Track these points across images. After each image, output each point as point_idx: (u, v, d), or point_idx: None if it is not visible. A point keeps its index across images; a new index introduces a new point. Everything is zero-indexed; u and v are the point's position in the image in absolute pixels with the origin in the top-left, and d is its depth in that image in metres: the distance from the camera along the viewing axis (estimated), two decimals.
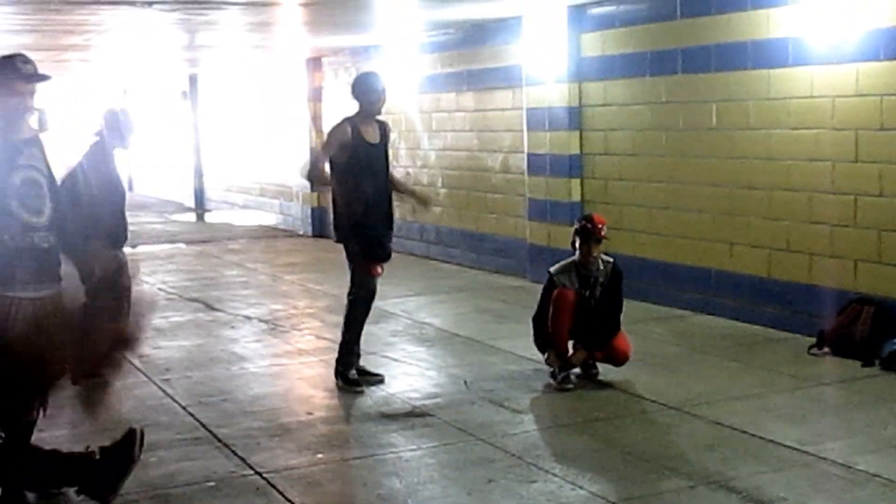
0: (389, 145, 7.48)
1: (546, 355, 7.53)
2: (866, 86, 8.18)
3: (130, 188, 27.34)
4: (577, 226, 7.53)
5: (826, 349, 8.13)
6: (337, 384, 7.31)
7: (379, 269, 7.40)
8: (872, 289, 8.24)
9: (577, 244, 7.43)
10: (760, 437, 6.13)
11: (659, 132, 10.30)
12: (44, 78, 4.98)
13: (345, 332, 7.46)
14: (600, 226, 7.40)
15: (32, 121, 5.10)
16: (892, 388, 7.15)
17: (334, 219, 7.41)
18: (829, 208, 8.56)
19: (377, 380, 7.49)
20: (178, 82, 23.13)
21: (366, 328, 9.65)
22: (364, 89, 7.22)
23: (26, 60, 4.90)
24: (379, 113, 7.30)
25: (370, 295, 7.45)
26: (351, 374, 7.41)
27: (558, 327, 7.36)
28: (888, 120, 8.05)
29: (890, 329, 7.89)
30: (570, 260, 7.51)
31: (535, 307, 7.61)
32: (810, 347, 8.21)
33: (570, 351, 7.49)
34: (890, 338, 7.78)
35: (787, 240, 8.98)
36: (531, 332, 7.64)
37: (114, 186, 7.33)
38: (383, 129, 7.41)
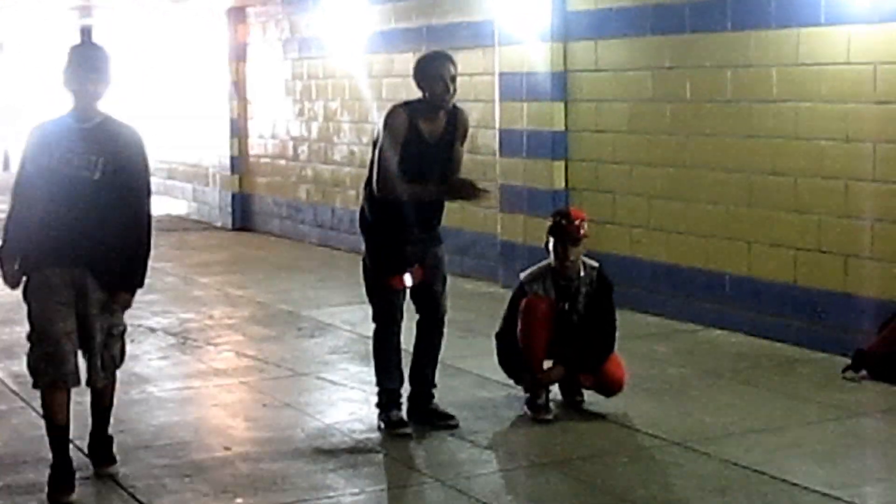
0: (460, 141, 7.24)
1: (522, 383, 7.57)
2: None
3: (6, 167, 27.16)
4: (550, 223, 7.55)
5: (864, 372, 8.21)
6: (379, 426, 7.26)
7: (399, 281, 7.12)
8: None
9: (551, 245, 7.45)
10: (782, 480, 6.17)
11: (662, 104, 10.36)
12: None
13: (375, 371, 7.39)
14: (577, 222, 7.37)
15: None
16: None
17: (360, 213, 7.38)
18: (869, 200, 8.64)
19: (449, 424, 7.26)
20: (66, 36, 22.99)
21: (299, 343, 9.72)
22: (426, 75, 7.03)
23: None
24: (446, 105, 7.08)
25: (389, 317, 7.23)
26: (393, 413, 7.23)
27: (531, 342, 7.38)
28: None
29: None
30: (544, 264, 7.52)
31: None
32: (845, 369, 8.28)
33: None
34: None
35: (817, 238, 9.06)
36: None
37: None
38: (454, 122, 7.19)
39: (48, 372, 6.07)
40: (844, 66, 8.75)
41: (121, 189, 6.12)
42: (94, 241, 6.05)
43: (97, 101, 6.18)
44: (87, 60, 6.22)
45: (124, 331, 6.35)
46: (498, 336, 7.69)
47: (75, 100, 6.17)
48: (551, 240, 7.42)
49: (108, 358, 6.22)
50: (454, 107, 7.16)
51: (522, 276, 7.61)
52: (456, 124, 7.20)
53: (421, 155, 7.01)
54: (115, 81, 6.24)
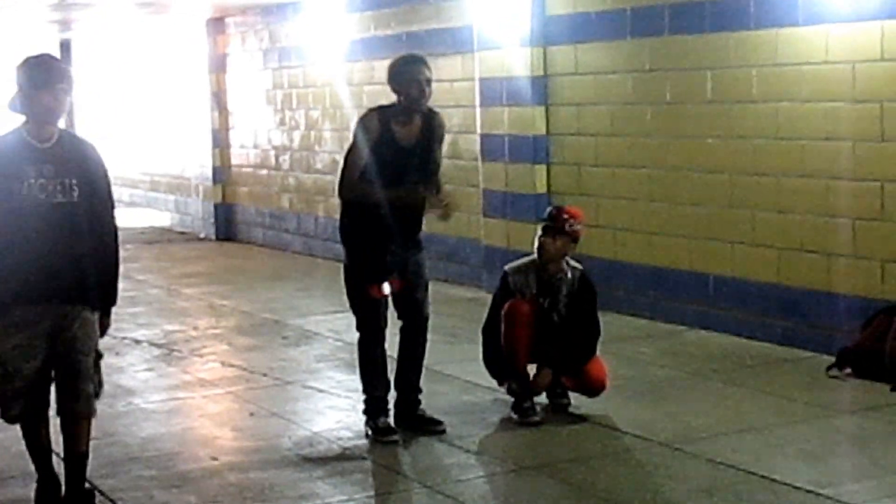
0: (437, 147, 7.25)
1: (506, 385, 7.59)
2: (893, 48, 8.31)
3: None
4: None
5: (848, 370, 8.23)
6: (366, 434, 7.27)
7: (377, 290, 7.08)
8: None
9: (537, 236, 7.49)
10: (770, 479, 6.18)
11: (643, 107, 10.38)
12: None
13: (361, 379, 7.39)
14: (565, 216, 7.43)
15: None
16: None
17: (340, 221, 7.39)
18: (850, 198, 8.67)
19: (436, 429, 7.27)
20: (46, 50, 22.96)
21: (285, 352, 9.71)
22: (400, 78, 7.04)
23: None
24: (422, 108, 7.07)
25: (373, 325, 7.22)
26: (380, 421, 7.22)
27: (514, 346, 7.40)
28: None
29: None
30: (529, 259, 7.59)
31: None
32: (829, 368, 8.31)
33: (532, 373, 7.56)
34: None
35: (800, 238, 9.08)
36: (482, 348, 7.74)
37: None
38: (430, 126, 7.19)
39: (16, 408, 5.81)
40: (823, 65, 8.77)
41: (94, 209, 5.80)
42: (79, 269, 5.75)
43: (58, 118, 5.83)
44: (48, 72, 5.82)
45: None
46: (484, 330, 7.71)
47: (34, 115, 5.76)
48: (539, 231, 7.48)
49: (97, 382, 5.90)
50: (429, 110, 7.16)
51: (507, 267, 7.66)
52: (432, 128, 7.19)
53: (396, 159, 7.01)
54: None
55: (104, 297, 5.91)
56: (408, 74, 7.02)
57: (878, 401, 7.68)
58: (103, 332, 6.00)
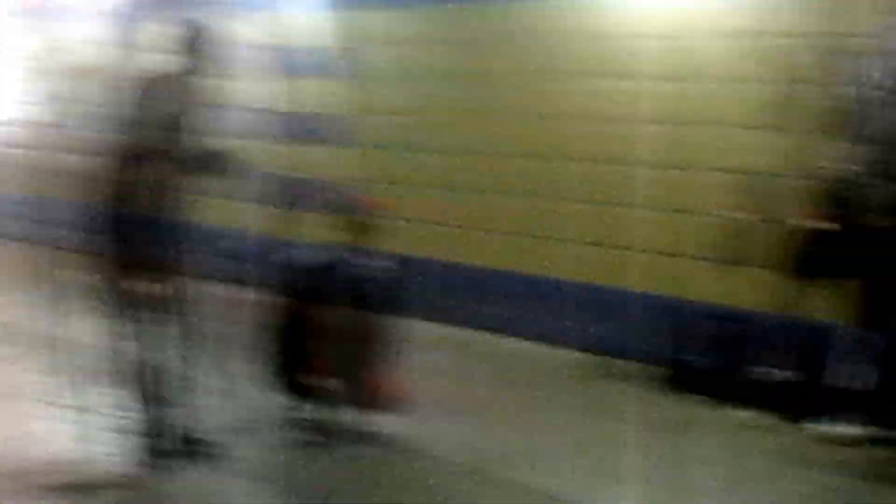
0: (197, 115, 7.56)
1: (289, 397, 7.93)
2: None
3: None
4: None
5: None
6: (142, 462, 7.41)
7: (134, 285, 7.31)
8: None
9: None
10: None
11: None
12: None
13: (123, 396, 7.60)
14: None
15: None
16: None
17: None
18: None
19: (209, 452, 7.50)
20: None
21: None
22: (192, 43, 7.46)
23: None
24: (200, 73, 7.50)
25: (129, 326, 7.45)
26: (144, 445, 7.43)
27: (293, 351, 7.84)
28: None
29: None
30: (311, 245, 8.07)
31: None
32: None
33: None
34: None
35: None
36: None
37: None
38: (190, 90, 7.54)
39: None
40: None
41: None
42: None
43: None
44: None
45: None
46: (264, 332, 8.06)
47: None
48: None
49: None
50: (192, 75, 7.53)
51: (283, 255, 8.14)
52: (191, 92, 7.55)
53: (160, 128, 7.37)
54: None
55: None
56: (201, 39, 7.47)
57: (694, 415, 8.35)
58: None
